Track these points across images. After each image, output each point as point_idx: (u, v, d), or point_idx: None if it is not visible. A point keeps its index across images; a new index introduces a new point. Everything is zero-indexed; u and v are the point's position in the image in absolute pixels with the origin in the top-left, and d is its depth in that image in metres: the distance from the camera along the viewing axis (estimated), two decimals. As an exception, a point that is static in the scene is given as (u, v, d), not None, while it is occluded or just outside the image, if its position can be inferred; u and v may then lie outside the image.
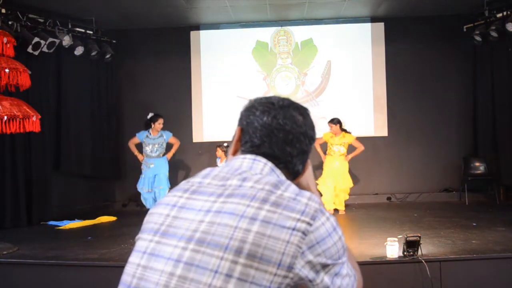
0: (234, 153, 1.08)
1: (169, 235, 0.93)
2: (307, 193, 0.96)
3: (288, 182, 0.97)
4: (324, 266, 0.92)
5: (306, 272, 0.89)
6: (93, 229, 6.07)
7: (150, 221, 0.99)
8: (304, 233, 0.89)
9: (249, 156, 1.02)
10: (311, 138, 1.08)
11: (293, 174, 1.07)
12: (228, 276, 0.85)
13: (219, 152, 6.84)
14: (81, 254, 4.41)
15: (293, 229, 0.88)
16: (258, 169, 1.00)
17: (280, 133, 1.03)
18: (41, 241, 5.21)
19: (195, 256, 0.88)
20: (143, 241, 0.97)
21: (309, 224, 0.90)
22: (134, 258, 0.97)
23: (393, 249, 4.01)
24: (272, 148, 1.03)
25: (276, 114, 1.04)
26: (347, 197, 6.76)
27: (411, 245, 3.93)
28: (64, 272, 4.20)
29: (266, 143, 1.03)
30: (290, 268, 0.87)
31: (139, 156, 6.79)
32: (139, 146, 6.86)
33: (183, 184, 1.03)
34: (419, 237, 3.95)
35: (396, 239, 4.10)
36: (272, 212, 0.89)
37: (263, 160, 1.02)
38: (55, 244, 4.99)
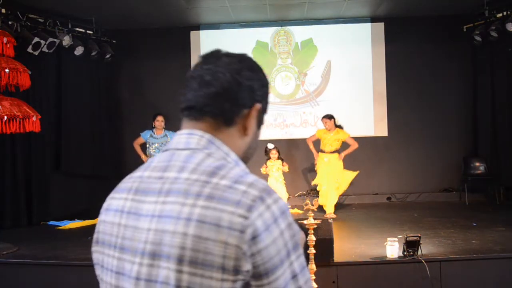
0: None
1: (125, 250, 0.88)
2: (249, 179, 0.85)
3: (231, 164, 0.89)
4: (260, 275, 0.79)
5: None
6: (93, 229, 5.98)
7: (105, 231, 0.94)
8: (241, 231, 0.78)
9: (185, 131, 0.95)
10: (235, 72, 0.94)
11: (226, 122, 0.94)
12: (178, 287, 0.80)
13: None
14: (81, 254, 4.41)
15: (229, 227, 0.79)
16: (193, 143, 0.91)
17: (195, 79, 0.95)
18: (41, 241, 5.21)
19: (151, 272, 0.83)
20: (107, 257, 0.92)
21: (244, 217, 0.79)
22: (107, 277, 0.92)
23: (393, 249, 4.01)
24: (190, 97, 0.94)
25: (199, 63, 0.98)
26: (333, 199, 6.42)
27: (411, 245, 3.94)
28: (64, 272, 4.20)
29: (189, 94, 0.95)
30: (236, 271, 0.79)
31: (143, 157, 6.74)
32: (143, 147, 6.82)
33: (126, 181, 0.96)
34: (419, 237, 3.96)
35: (396, 239, 4.10)
36: (205, 209, 0.80)
37: (199, 132, 0.92)
38: (55, 244, 5.00)
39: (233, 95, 0.93)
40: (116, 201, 0.94)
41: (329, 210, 6.38)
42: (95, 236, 0.98)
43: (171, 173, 0.88)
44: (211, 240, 0.78)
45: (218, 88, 0.93)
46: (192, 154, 0.90)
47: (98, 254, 0.96)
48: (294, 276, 0.82)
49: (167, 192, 0.86)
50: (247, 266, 0.78)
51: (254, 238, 0.78)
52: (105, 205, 0.98)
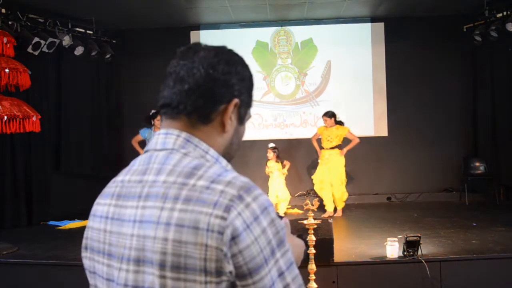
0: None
1: (112, 256, 0.87)
2: (228, 177, 0.82)
3: (210, 163, 0.86)
4: (244, 275, 0.78)
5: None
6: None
7: (93, 238, 0.93)
8: (220, 232, 0.77)
9: (163, 131, 0.92)
10: (209, 67, 0.91)
11: (202, 120, 0.91)
12: None
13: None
14: (80, 254, 4.40)
15: (207, 229, 0.77)
16: (170, 144, 0.89)
17: (172, 75, 0.94)
18: (41, 241, 5.22)
19: (138, 278, 0.82)
20: (98, 264, 0.92)
21: (222, 218, 0.77)
22: (99, 283, 0.92)
23: (393, 249, 4.01)
24: (166, 95, 0.92)
25: (176, 58, 0.96)
26: (341, 195, 6.45)
27: (411, 245, 3.94)
28: (64, 272, 4.20)
29: (165, 92, 0.93)
30: (219, 273, 0.77)
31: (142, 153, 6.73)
32: (142, 144, 6.80)
33: (109, 186, 0.95)
34: (419, 237, 3.96)
35: (396, 239, 4.11)
36: (183, 212, 0.79)
37: (175, 132, 0.90)
38: (55, 244, 5.00)
39: (207, 91, 0.90)
40: (101, 207, 0.93)
41: (340, 205, 6.44)
42: (84, 242, 0.97)
43: (150, 176, 0.86)
44: (191, 244, 0.77)
45: (191, 85, 0.90)
46: (169, 155, 0.88)
47: (88, 261, 0.95)
48: (281, 274, 0.80)
49: (146, 196, 0.84)
50: (229, 267, 0.77)
51: (234, 238, 0.76)
52: (92, 210, 0.96)
